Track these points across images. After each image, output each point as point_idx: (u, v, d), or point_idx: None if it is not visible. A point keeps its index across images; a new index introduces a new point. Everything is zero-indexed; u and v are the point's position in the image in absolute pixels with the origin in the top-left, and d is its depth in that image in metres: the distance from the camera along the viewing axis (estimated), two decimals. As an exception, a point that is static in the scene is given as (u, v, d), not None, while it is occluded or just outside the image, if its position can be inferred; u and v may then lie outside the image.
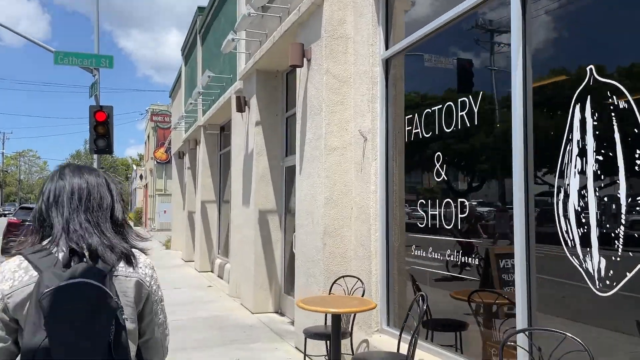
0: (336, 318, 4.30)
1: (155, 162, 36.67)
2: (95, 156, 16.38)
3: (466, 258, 3.98)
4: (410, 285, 4.90)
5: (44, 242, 1.52)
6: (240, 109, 8.71)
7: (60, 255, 1.47)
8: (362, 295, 4.91)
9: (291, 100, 8.33)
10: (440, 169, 4.29)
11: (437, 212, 4.33)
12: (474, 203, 3.97)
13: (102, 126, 13.33)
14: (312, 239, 5.72)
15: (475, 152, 4.04)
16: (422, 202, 4.57)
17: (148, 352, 1.65)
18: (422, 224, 4.54)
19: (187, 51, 16.60)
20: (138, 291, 1.55)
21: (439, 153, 4.31)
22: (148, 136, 42.03)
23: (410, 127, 4.76)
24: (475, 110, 3.89)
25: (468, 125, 3.97)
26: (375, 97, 5.21)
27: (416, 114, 4.67)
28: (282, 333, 6.93)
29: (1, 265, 1.49)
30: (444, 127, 4.25)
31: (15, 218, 17.11)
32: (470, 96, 3.96)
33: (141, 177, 45.93)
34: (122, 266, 1.54)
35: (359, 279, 5.08)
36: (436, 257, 4.34)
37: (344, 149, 5.59)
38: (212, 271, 13.66)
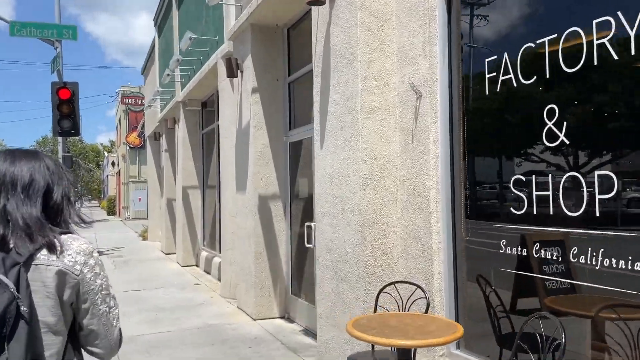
0: (405, 351, 2.94)
1: (127, 148, 34.80)
2: (60, 139, 14.75)
3: (611, 260, 2.64)
4: (489, 294, 3.56)
5: None
6: (231, 73, 7.21)
7: None
8: (427, 310, 3.56)
9: (295, 61, 6.86)
10: (555, 129, 2.92)
11: (549, 193, 2.97)
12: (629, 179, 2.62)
13: (66, 105, 11.71)
14: (344, 232, 4.33)
15: (630, 99, 2.67)
16: (518, 180, 3.20)
17: (92, 345, 1.56)
18: (519, 209, 3.19)
19: (161, 19, 14.87)
20: (60, 281, 1.45)
21: (552, 106, 2.94)
22: (119, 120, 39.96)
23: (493, 74, 3.37)
24: (632, 34, 2.51)
25: (615, 57, 2.60)
26: (433, 37, 3.80)
27: (505, 54, 3.28)
28: (297, 348, 5.56)
29: None
30: (563, 67, 2.88)
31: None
32: (619, 13, 2.58)
33: (113, 163, 43.97)
34: (44, 254, 1.44)
35: (418, 286, 3.71)
36: (547, 256, 2.99)
37: (386, 111, 4.18)
38: (197, 265, 12.19)
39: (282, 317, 6.87)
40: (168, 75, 10.70)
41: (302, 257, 6.59)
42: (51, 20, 14.70)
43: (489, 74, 3.41)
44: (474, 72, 3.60)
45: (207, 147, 11.97)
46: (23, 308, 1.33)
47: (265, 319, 6.77)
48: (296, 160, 6.81)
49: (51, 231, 1.49)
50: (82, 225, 1.61)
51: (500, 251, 3.32)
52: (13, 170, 1.52)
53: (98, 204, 53.52)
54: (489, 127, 3.54)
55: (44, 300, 1.42)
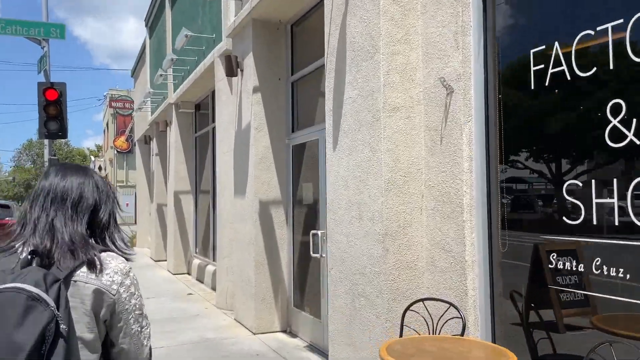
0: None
1: (115, 152, 34.17)
2: (46, 142, 14.20)
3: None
4: (528, 313, 3.18)
5: (17, 242, 1.48)
6: (231, 72, 6.80)
7: (23, 255, 1.42)
8: (463, 332, 3.16)
9: (299, 59, 6.47)
10: (622, 128, 2.55)
11: (614, 201, 2.60)
12: None
13: (53, 106, 11.21)
14: (362, 242, 3.93)
15: None
16: (573, 185, 2.83)
17: None
18: (575, 219, 2.81)
19: (153, 19, 14.42)
20: (97, 299, 1.46)
21: (618, 101, 2.57)
22: (107, 124, 39.32)
23: (541, 66, 3.00)
24: None
25: (703, 43, 2.24)
26: (466, 27, 3.43)
27: (556, 44, 2.91)
28: (303, 366, 5.14)
29: None
30: (632, 56, 2.51)
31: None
32: None
33: (100, 168, 43.24)
34: (83, 272, 1.45)
35: (452, 304, 3.32)
36: (611, 273, 2.61)
37: (411, 108, 3.80)
38: (188, 273, 11.72)
39: (284, 331, 6.44)
40: (161, 75, 10.26)
41: (305, 267, 6.18)
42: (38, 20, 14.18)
43: (535, 66, 3.04)
44: (515, 64, 3.23)
45: (200, 150, 11.53)
46: (63, 326, 1.32)
47: (265, 332, 6.34)
48: (299, 164, 6.41)
49: (93, 249, 1.50)
50: (124, 248, 1.62)
51: (550, 265, 2.94)
52: (64, 184, 1.55)
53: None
54: (534, 126, 3.16)
55: (82, 317, 1.43)
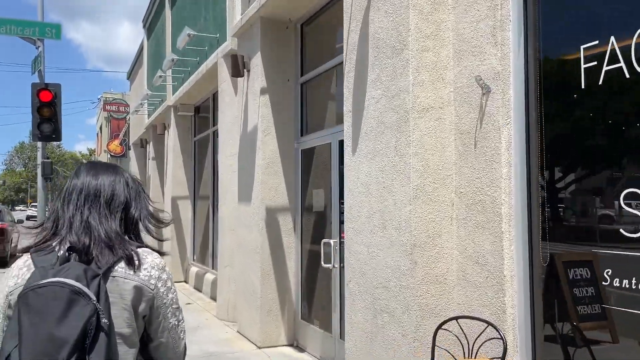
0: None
1: (108, 156, 33.73)
2: (39, 145, 13.86)
3: None
4: (572, 334, 2.90)
5: (54, 241, 1.48)
6: (237, 72, 6.50)
7: (60, 253, 1.44)
8: (504, 355, 2.87)
9: (309, 60, 6.20)
10: (695, 130, 2.28)
11: (685, 211, 2.33)
12: None
13: (47, 108, 10.90)
14: (385, 253, 3.64)
15: None
16: (633, 194, 2.56)
17: (160, 356, 1.59)
18: (635, 230, 2.54)
19: (151, 20, 14.11)
20: (137, 295, 1.47)
21: (690, 100, 2.31)
22: (100, 128, 38.86)
23: (593, 63, 2.74)
24: None
25: None
26: (505, 22, 3.17)
27: (612, 39, 2.65)
28: (314, 384, 4.82)
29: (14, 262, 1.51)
30: None
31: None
32: None
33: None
34: (122, 267, 1.46)
35: (490, 323, 3.03)
36: (680, 293, 2.34)
37: (440, 109, 3.53)
38: (185, 281, 11.37)
39: (291, 345, 6.13)
40: (160, 77, 9.95)
41: (314, 277, 5.88)
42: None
43: (585, 63, 2.78)
44: (562, 62, 2.97)
45: (199, 154, 11.21)
46: (104, 320, 1.34)
47: (271, 347, 6.02)
48: (308, 169, 6.12)
49: (129, 244, 1.51)
50: (162, 226, 1.66)
51: (604, 282, 2.66)
52: (96, 183, 1.56)
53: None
54: (582, 128, 2.89)
55: (121, 312, 1.43)
